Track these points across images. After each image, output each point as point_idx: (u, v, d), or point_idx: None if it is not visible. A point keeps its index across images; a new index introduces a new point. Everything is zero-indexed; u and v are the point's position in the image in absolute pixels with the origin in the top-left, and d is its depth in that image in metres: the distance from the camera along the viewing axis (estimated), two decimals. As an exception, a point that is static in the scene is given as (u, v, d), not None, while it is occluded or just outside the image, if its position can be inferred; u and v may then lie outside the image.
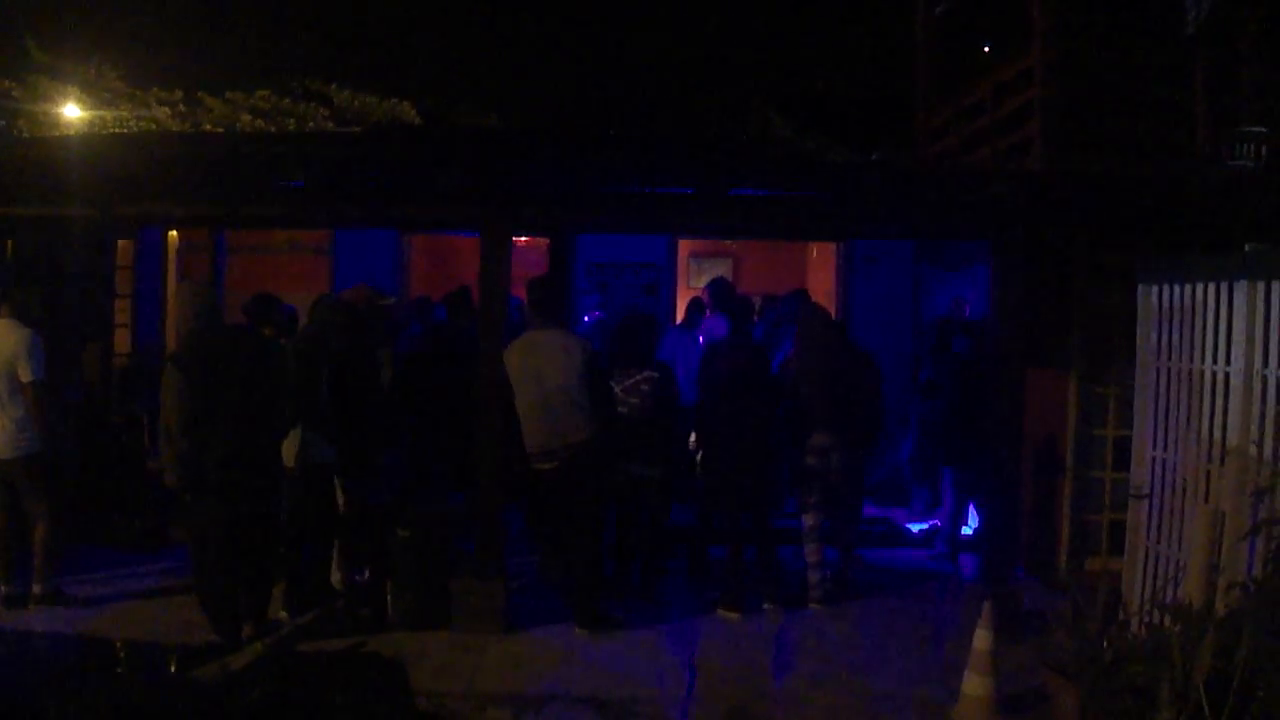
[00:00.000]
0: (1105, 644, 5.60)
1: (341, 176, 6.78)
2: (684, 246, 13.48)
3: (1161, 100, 8.99)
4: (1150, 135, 8.86)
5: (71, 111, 20.81)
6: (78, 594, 7.28)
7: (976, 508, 9.23)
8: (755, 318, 9.35)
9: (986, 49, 10.32)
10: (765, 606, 7.51)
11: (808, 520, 7.67)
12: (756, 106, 18.37)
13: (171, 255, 12.20)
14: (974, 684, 5.74)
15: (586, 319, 11.06)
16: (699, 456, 7.94)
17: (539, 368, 6.78)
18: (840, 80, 16.83)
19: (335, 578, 7.15)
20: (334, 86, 24.52)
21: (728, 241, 15.17)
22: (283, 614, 6.76)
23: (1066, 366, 8.31)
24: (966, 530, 9.40)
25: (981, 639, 5.73)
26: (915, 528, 10.12)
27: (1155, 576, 6.69)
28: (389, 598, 6.86)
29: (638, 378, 7.50)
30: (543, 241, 9.57)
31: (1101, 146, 8.80)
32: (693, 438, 8.06)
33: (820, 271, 15.01)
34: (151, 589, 7.56)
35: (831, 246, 14.08)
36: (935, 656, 6.69)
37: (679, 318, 11.41)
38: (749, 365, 7.57)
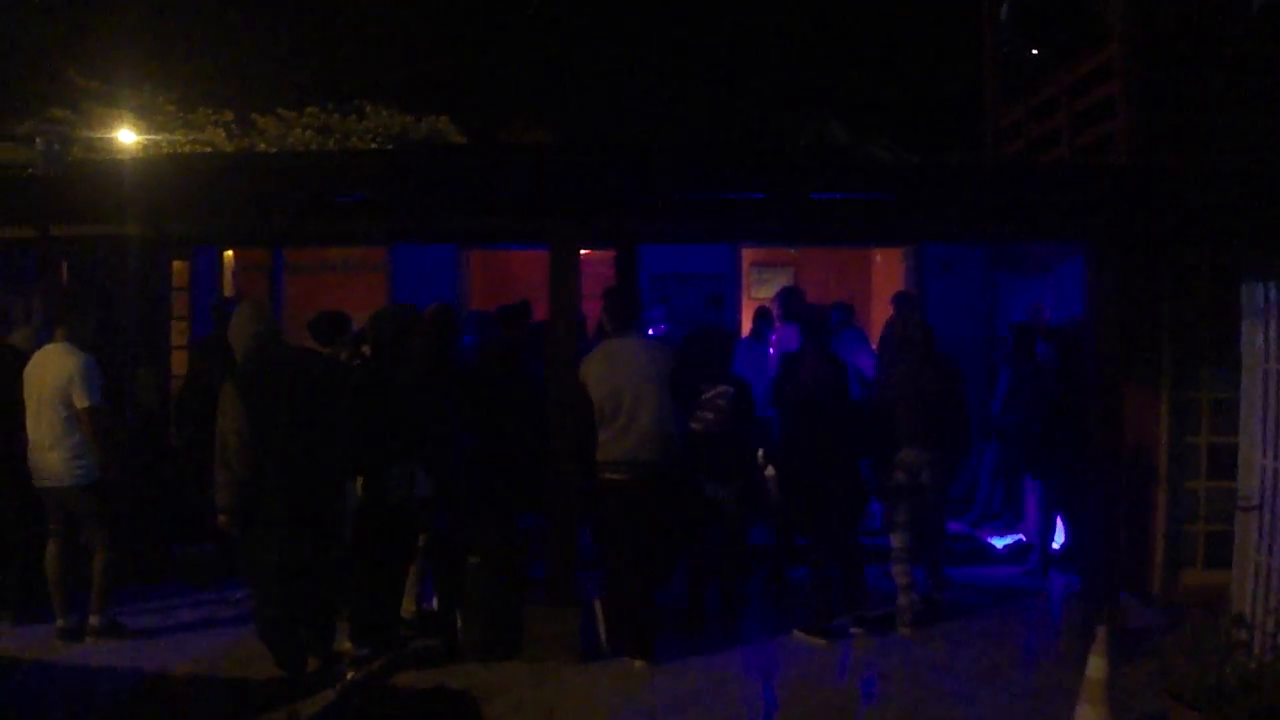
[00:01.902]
0: (1228, 669, 5.23)
1: (403, 188, 6.50)
2: (746, 256, 13.15)
3: (1249, 91, 8.60)
4: (1238, 127, 8.47)
5: (126, 136, 20.88)
6: (137, 626, 7.06)
7: (1065, 521, 8.80)
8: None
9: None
10: (852, 631, 7.15)
11: (896, 540, 7.29)
12: (814, 114, 18.02)
13: (228, 276, 12.10)
14: (1087, 715, 5.33)
15: (651, 332, 10.74)
16: (770, 472, 7.61)
17: (622, 377, 6.43)
18: (901, 84, 16.42)
19: (407, 607, 6.87)
20: (369, 105, 24.47)
21: (790, 250, 14.84)
22: (348, 645, 6.47)
23: (1157, 372, 7.89)
24: (1054, 545, 8.95)
25: (1096, 667, 5.33)
26: (999, 543, 9.70)
27: (1268, 591, 6.26)
28: (460, 627, 6.55)
29: (713, 392, 7.17)
30: (604, 255, 9.29)
31: (1187, 141, 8.42)
32: (760, 453, 7.73)
33: (886, 278, 14.65)
34: (213, 620, 7.34)
35: (898, 253, 13.75)
36: (1036, 684, 6.29)
37: (745, 329, 11.10)
38: (831, 379, 7.21)
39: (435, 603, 7.03)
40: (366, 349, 6.80)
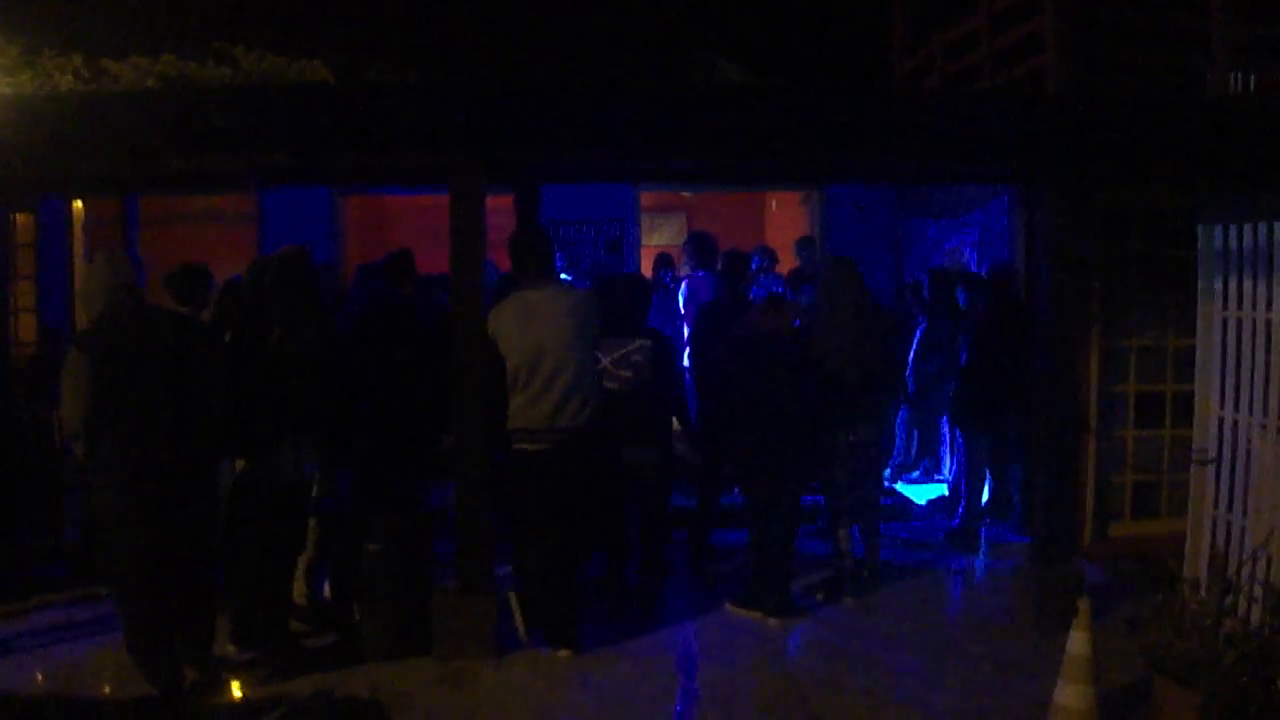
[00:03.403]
0: (1222, 641, 4.81)
1: (275, 122, 5.58)
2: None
3: (1176, 28, 8.24)
4: (1163, 66, 8.12)
5: (-39, 83, 19.14)
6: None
7: (992, 475, 8.39)
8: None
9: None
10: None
11: (836, 501, 6.73)
12: (701, 55, 17.30)
13: (78, 231, 11.04)
14: (1071, 695, 4.79)
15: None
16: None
17: (540, 333, 5.62)
18: (798, 21, 15.76)
19: (298, 591, 6.06)
20: (240, 48, 22.93)
21: (684, 194, 14.24)
22: (230, 649, 5.66)
23: (1085, 319, 7.53)
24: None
25: (1079, 642, 4.79)
26: (920, 498, 9.27)
27: (1227, 548, 5.99)
28: (359, 621, 5.77)
29: (629, 348, 6.50)
30: (499, 202, 8.54)
31: (1123, 78, 8.02)
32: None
33: (781, 224, 14.20)
34: (72, 623, 6.35)
35: (795, 197, 13.28)
36: (998, 656, 5.81)
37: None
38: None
39: (328, 590, 6.26)
40: (208, 311, 5.94)
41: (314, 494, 5.74)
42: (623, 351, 6.50)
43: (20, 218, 10.24)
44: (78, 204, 10.86)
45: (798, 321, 6.85)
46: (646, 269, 10.37)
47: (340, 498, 5.87)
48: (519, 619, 5.78)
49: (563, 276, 9.28)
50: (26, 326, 9.58)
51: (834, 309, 6.61)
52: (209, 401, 5.02)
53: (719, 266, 8.36)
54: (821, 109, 5.97)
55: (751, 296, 8.17)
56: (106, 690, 5.36)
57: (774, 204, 14.76)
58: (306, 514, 5.70)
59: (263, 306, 5.38)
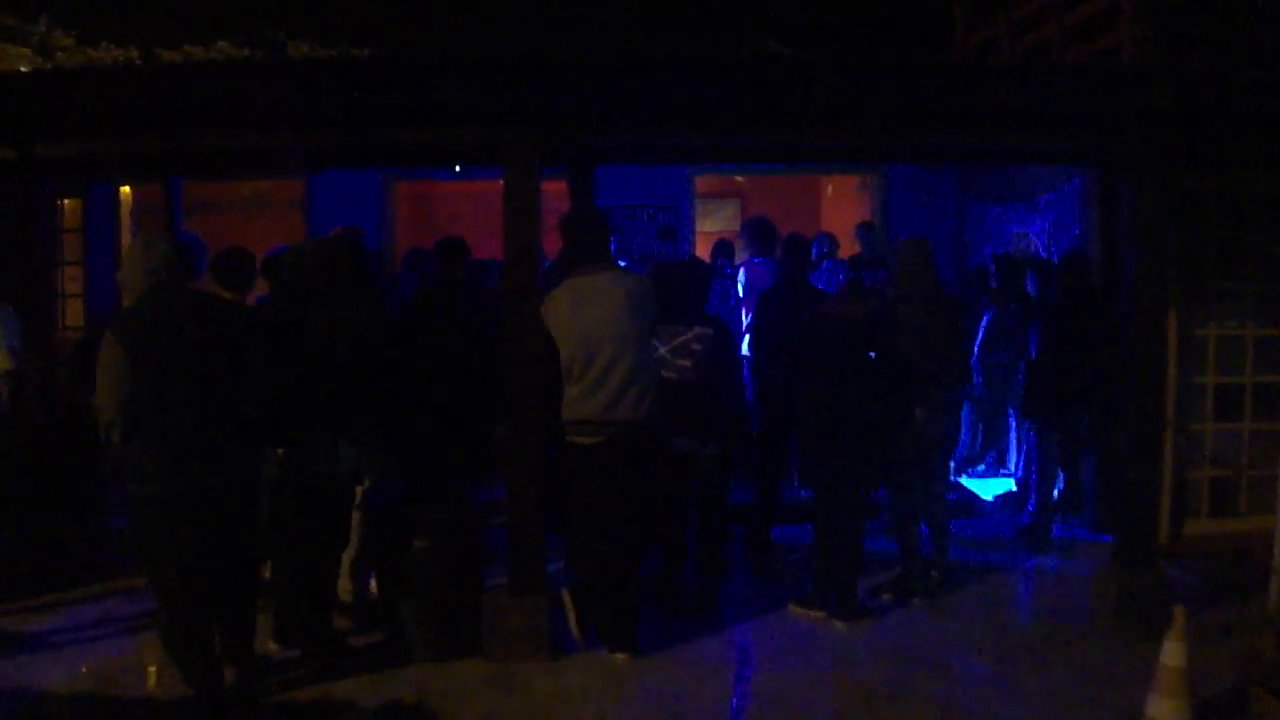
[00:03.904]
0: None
1: (317, 97, 5.31)
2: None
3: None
4: (1244, 43, 7.73)
5: (22, 72, 19.27)
6: (15, 629, 5.94)
7: (1063, 470, 8.02)
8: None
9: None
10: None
11: (905, 497, 6.42)
12: (749, 35, 16.92)
13: (126, 216, 10.95)
14: (1165, 708, 4.49)
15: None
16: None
17: (595, 322, 5.34)
18: (852, 3, 15.34)
19: (343, 587, 5.85)
20: (290, 41, 22.84)
21: (738, 179, 13.93)
22: (273, 646, 5.46)
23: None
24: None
25: (1174, 654, 4.48)
26: (987, 494, 8.92)
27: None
28: (405, 621, 5.53)
29: (687, 336, 6.21)
30: (553, 187, 8.29)
31: (1204, 55, 7.63)
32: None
33: (837, 210, 13.87)
34: (110, 618, 6.17)
35: (852, 182, 12.94)
36: (1080, 665, 5.47)
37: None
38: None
39: (374, 586, 6.05)
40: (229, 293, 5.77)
41: (362, 487, 5.51)
42: (681, 340, 6.21)
43: (68, 203, 10.19)
44: (125, 189, 10.78)
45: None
46: (701, 255, 10.07)
47: (388, 492, 5.63)
48: (573, 619, 5.51)
49: (619, 263, 9.03)
50: (74, 312, 9.51)
51: (907, 295, 6.28)
52: (251, 390, 4.79)
53: (778, 253, 8.05)
54: (891, 82, 5.63)
55: (816, 284, 7.87)
56: (146, 689, 5.18)
57: (830, 189, 14.43)
58: (350, 507, 5.47)
59: (306, 289, 5.16)
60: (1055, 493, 7.98)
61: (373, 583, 6.07)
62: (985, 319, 8.87)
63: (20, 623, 6.06)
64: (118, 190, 10.77)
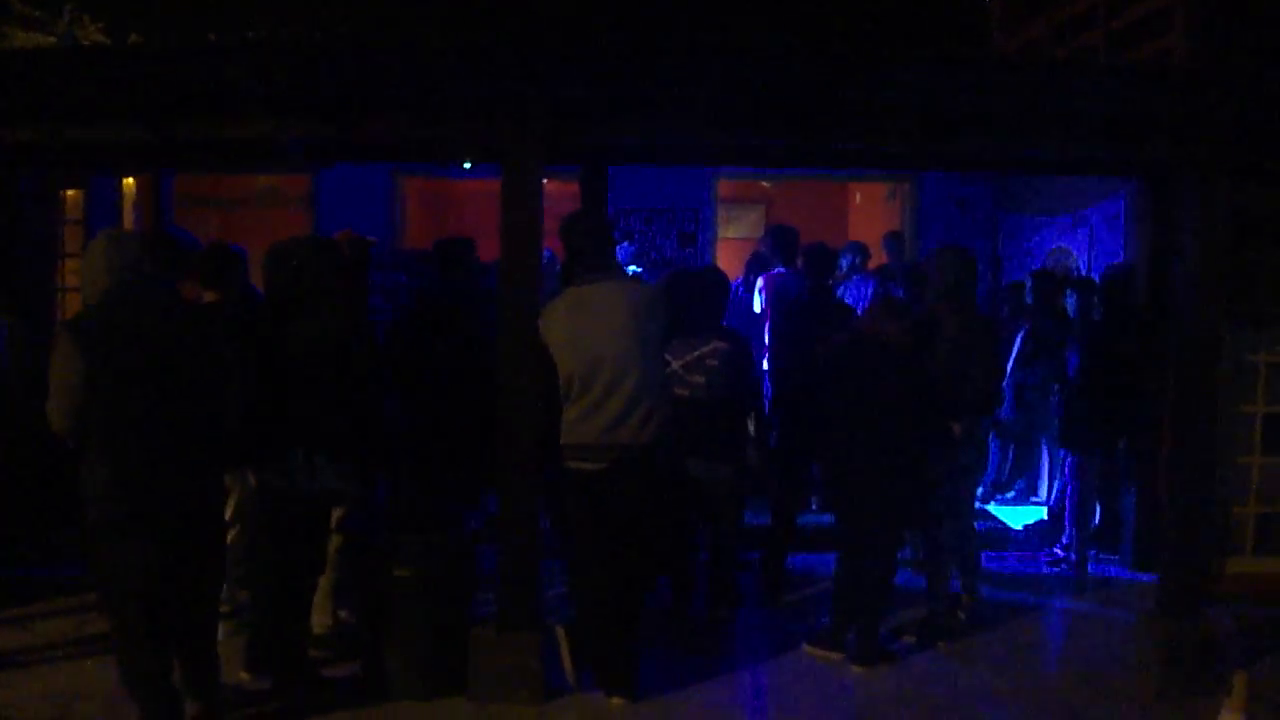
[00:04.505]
0: None
1: (301, 82, 4.88)
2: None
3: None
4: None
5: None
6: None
7: (1101, 501, 7.55)
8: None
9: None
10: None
11: (937, 530, 5.95)
12: (773, 40, 16.45)
13: (129, 208, 10.65)
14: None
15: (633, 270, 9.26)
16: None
17: (599, 337, 4.82)
18: (885, 6, 14.83)
19: (317, 620, 5.43)
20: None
21: (764, 184, 13.50)
22: (244, 675, 5.03)
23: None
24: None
25: (1233, 727, 4.01)
26: (1016, 522, 8.44)
27: None
28: (386, 654, 5.09)
29: (702, 350, 5.79)
30: (564, 187, 7.86)
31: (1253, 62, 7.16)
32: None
33: (865, 220, 13.44)
34: (80, 638, 5.74)
35: (881, 191, 12.52)
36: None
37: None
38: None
39: (349, 613, 5.64)
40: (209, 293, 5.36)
41: (340, 509, 5.09)
42: (695, 354, 5.79)
43: (70, 194, 9.93)
44: (129, 181, 10.51)
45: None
46: (724, 265, 9.63)
47: (369, 515, 5.20)
48: (567, 659, 5.03)
49: (631, 269, 8.59)
50: (75, 305, 9.17)
51: (944, 311, 5.81)
52: (220, 403, 4.37)
53: (799, 263, 7.61)
54: (931, 78, 5.17)
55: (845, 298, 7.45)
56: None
57: (858, 197, 13.99)
58: (327, 530, 5.04)
59: (285, 292, 4.75)
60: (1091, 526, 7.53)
61: (344, 612, 5.66)
62: (1019, 337, 8.41)
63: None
64: (120, 181, 10.48)
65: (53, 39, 19.95)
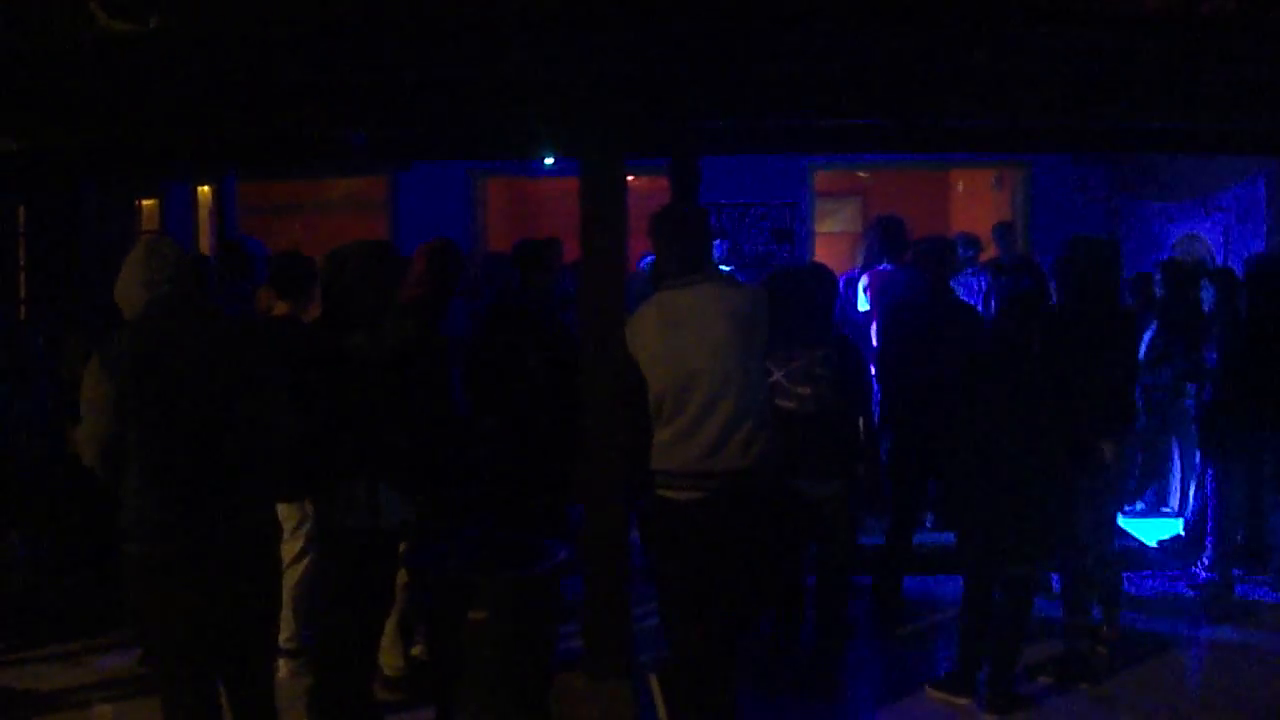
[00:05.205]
0: None
1: (356, 76, 4.41)
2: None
3: None
4: None
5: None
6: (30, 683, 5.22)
7: (1246, 515, 6.83)
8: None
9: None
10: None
11: (1077, 559, 5.30)
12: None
13: (205, 216, 10.48)
14: None
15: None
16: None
17: (692, 349, 4.21)
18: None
19: (388, 662, 4.98)
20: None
21: (860, 175, 12.87)
22: (309, 724, 4.59)
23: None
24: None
25: None
26: (1151, 538, 7.73)
27: None
28: (459, 701, 4.59)
29: (808, 358, 5.18)
30: (653, 183, 7.37)
31: None
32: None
33: (967, 209, 12.79)
34: (135, 674, 5.35)
35: (986, 177, 11.87)
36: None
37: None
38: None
39: (420, 649, 5.18)
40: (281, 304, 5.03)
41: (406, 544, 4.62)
42: (801, 363, 5.18)
43: (146, 203, 9.80)
44: (204, 189, 10.34)
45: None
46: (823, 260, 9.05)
47: (440, 551, 4.70)
48: (661, 708, 4.48)
49: (722, 268, 8.03)
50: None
51: (1081, 309, 5.17)
52: (270, 429, 3.91)
53: (908, 258, 6.99)
54: (1063, 41, 4.54)
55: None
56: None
57: (960, 185, 13.31)
58: (395, 566, 4.56)
59: (338, 305, 4.28)
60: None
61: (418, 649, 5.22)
62: (1148, 334, 7.70)
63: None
64: (194, 189, 10.31)
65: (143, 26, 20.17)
